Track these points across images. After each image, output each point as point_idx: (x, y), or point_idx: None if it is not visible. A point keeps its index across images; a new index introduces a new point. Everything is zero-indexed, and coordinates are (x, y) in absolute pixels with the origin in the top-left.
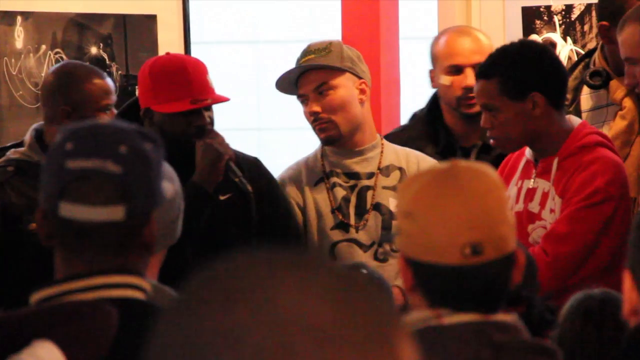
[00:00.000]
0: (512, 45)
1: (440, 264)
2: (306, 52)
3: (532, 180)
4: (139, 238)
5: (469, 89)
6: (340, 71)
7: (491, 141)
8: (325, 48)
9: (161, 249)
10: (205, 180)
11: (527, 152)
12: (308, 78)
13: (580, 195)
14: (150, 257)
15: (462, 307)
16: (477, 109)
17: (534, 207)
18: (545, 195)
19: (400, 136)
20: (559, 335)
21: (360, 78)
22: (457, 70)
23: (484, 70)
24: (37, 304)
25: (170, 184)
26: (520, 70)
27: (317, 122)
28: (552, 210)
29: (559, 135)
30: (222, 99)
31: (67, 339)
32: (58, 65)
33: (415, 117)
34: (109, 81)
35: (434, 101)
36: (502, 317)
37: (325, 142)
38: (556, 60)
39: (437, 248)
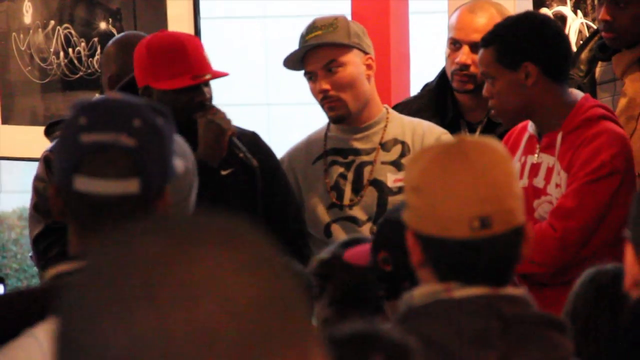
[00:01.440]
0: (515, 16)
1: (449, 238)
2: (312, 28)
3: (536, 155)
4: (153, 212)
5: (463, 66)
6: (348, 48)
7: (492, 112)
8: (332, 24)
9: None
10: (210, 156)
11: (530, 127)
12: (316, 55)
13: (586, 169)
14: None
15: (472, 280)
16: (468, 87)
17: (539, 182)
18: (550, 170)
19: (410, 106)
20: (571, 309)
21: (366, 53)
22: (455, 44)
23: (485, 39)
24: (52, 279)
25: (181, 161)
26: (514, 40)
27: (327, 100)
28: (557, 185)
29: (560, 109)
30: (221, 74)
31: None
32: (120, 34)
33: (425, 88)
34: None
35: (444, 73)
36: (512, 290)
37: (334, 120)
38: (556, 32)
39: (445, 222)
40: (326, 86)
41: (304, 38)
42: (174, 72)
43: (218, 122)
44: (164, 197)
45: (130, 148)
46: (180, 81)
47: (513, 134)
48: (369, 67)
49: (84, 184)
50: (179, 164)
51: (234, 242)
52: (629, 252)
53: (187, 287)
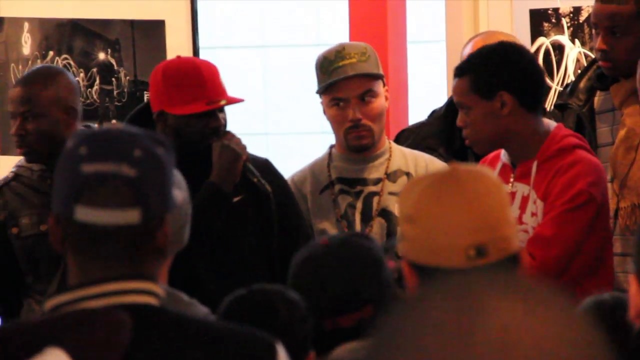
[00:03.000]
0: (489, 46)
1: (444, 268)
2: (345, 54)
3: (511, 184)
4: (153, 242)
5: None
6: (379, 78)
7: (466, 141)
8: (364, 52)
9: (170, 255)
10: (224, 180)
11: (503, 156)
12: (352, 83)
13: (563, 197)
14: (163, 262)
15: None
16: None
17: (514, 211)
18: (525, 199)
19: (416, 132)
20: None
21: (384, 85)
22: None
23: (459, 69)
24: (51, 310)
25: (179, 191)
26: (489, 69)
27: (357, 128)
28: (533, 214)
29: (534, 138)
30: (236, 100)
31: (79, 347)
32: None
33: (433, 115)
34: (22, 89)
35: (453, 102)
36: None
37: (357, 149)
38: (531, 62)
39: (441, 251)
40: (359, 115)
41: (332, 63)
42: (189, 97)
43: (233, 147)
44: (164, 226)
45: (131, 178)
46: (195, 106)
47: (485, 163)
48: (386, 98)
49: (84, 214)
50: (178, 194)
51: (524, 292)
52: (633, 284)
53: (500, 333)
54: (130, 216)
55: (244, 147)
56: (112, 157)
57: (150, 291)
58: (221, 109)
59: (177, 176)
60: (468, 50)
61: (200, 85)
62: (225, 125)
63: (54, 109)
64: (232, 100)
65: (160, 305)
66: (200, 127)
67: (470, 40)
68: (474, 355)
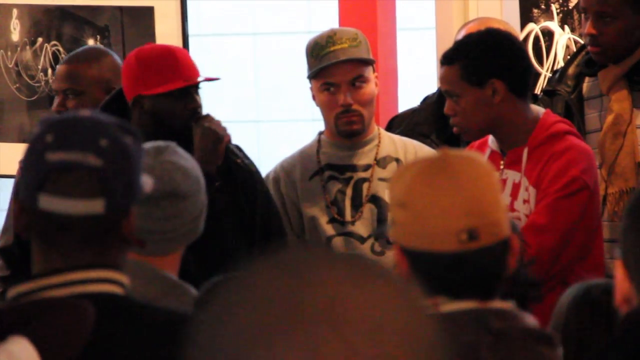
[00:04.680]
0: (476, 33)
1: (436, 252)
2: (336, 40)
3: (501, 171)
4: (118, 232)
5: None
6: (370, 64)
7: (454, 129)
8: (354, 38)
9: (183, 245)
10: (207, 163)
11: (491, 142)
12: (344, 67)
13: (556, 185)
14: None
15: (460, 294)
16: None
17: (505, 198)
18: (516, 186)
19: (409, 119)
20: (563, 325)
21: (374, 71)
22: None
23: (446, 56)
24: (14, 299)
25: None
26: (480, 57)
27: (348, 113)
28: (525, 201)
29: (524, 125)
30: (213, 78)
31: (42, 336)
32: None
33: (425, 101)
34: (66, 67)
35: None
36: (500, 304)
37: (348, 134)
38: (519, 49)
39: (432, 236)
40: (350, 100)
41: (323, 48)
42: (165, 77)
43: (214, 129)
44: (129, 216)
45: (96, 168)
46: (173, 84)
47: (472, 149)
48: (376, 84)
49: (48, 202)
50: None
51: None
52: (618, 269)
53: (328, 304)
54: (94, 206)
55: (224, 129)
56: (78, 146)
57: (114, 280)
58: (197, 92)
59: (193, 164)
60: (461, 36)
61: (175, 65)
62: (201, 109)
63: (95, 89)
64: (210, 78)
65: (125, 294)
66: (178, 109)
67: (463, 26)
68: (302, 326)
